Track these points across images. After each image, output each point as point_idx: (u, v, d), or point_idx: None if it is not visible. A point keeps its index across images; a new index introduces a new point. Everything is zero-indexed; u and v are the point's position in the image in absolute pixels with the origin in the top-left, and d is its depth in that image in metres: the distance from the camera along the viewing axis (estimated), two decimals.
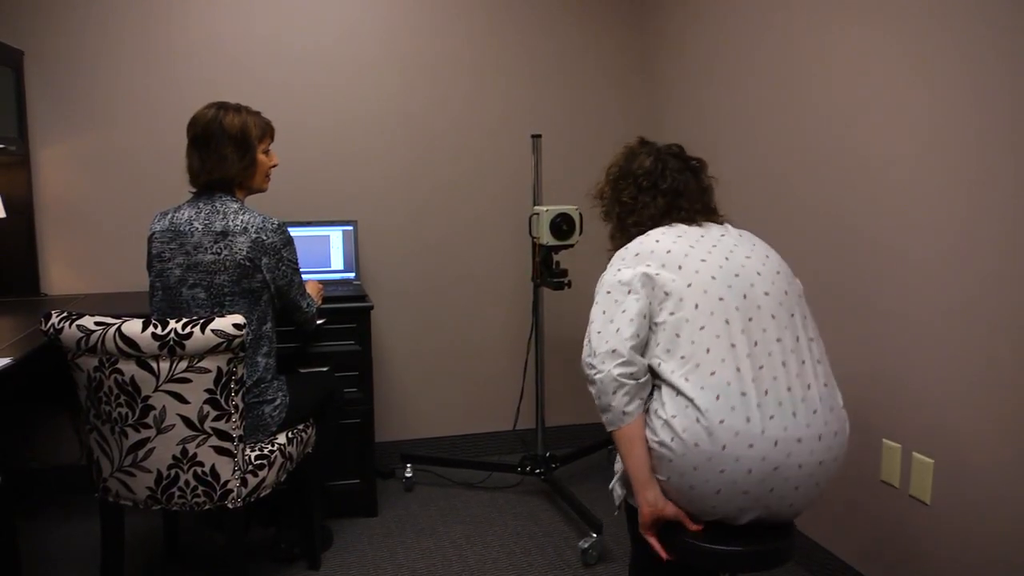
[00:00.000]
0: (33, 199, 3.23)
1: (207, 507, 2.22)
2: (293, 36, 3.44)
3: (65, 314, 2.11)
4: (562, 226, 3.04)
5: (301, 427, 2.53)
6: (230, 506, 2.22)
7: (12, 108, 3.06)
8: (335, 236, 3.37)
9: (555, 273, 3.15)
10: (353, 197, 3.57)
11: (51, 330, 2.10)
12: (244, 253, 2.34)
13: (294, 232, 3.31)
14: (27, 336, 2.43)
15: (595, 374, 1.71)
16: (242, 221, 2.36)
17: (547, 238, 3.04)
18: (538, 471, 3.32)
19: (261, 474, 2.29)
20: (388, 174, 3.59)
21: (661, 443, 1.66)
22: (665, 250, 1.77)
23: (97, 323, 2.07)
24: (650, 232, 1.86)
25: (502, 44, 3.66)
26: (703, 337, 1.66)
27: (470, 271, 3.74)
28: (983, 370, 2.01)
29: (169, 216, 2.42)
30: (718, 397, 1.61)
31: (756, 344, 1.67)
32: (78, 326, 2.07)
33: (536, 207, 3.15)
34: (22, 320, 2.71)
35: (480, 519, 3.14)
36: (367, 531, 3.02)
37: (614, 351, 1.69)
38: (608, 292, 1.79)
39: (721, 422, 1.60)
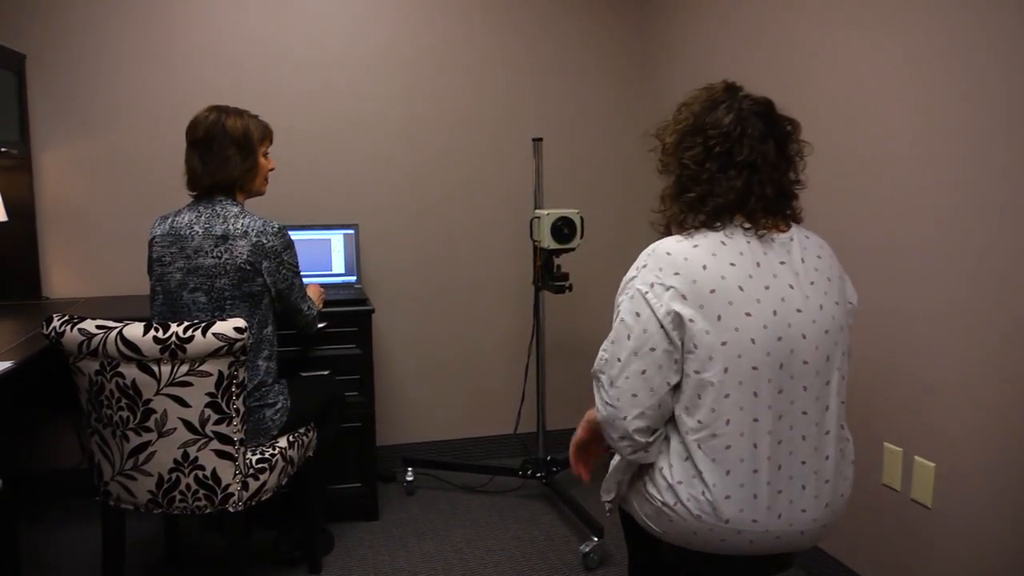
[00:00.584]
0: (34, 202, 3.23)
1: (208, 511, 2.22)
2: (294, 40, 3.45)
3: (66, 318, 2.11)
4: (563, 230, 3.04)
5: (302, 431, 2.53)
6: (231, 510, 2.22)
7: (14, 111, 3.06)
8: (336, 240, 3.37)
9: (556, 277, 3.15)
10: (354, 201, 3.57)
11: (52, 334, 2.10)
12: (244, 257, 2.34)
13: (295, 236, 3.30)
14: (28, 340, 2.43)
15: (607, 407, 1.59)
16: (242, 225, 2.36)
17: (548, 242, 3.04)
18: (539, 475, 3.32)
19: (262, 478, 2.29)
20: (389, 178, 3.59)
21: (664, 503, 1.58)
22: (709, 288, 1.51)
23: (98, 327, 2.07)
24: (703, 241, 1.57)
25: (503, 48, 3.67)
26: (726, 406, 1.51)
27: (471, 275, 3.74)
28: (984, 372, 2.01)
29: (170, 220, 2.42)
30: (728, 472, 1.52)
31: (780, 418, 1.53)
32: (79, 330, 2.07)
33: (537, 211, 3.15)
34: (23, 324, 2.71)
35: (481, 523, 3.14)
36: (368, 535, 3.02)
37: (635, 396, 1.55)
38: (637, 313, 1.55)
39: (727, 498, 1.52)
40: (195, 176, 2.43)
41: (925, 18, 2.14)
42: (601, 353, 1.63)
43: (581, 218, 3.07)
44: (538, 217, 3.10)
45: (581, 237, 3.08)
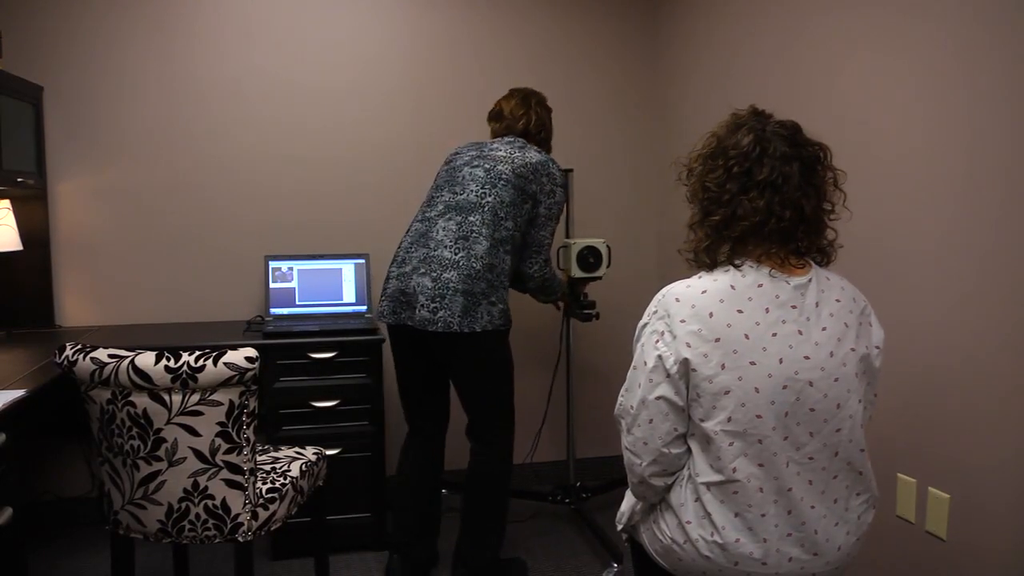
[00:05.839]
0: (50, 232, 3.27)
1: (217, 540, 2.21)
2: (306, 73, 3.50)
3: (79, 346, 2.12)
4: (589, 258, 3.07)
5: (314, 460, 2.53)
6: (240, 540, 2.21)
7: (31, 143, 3.11)
8: (347, 269, 3.39)
9: (584, 305, 3.17)
10: (365, 230, 3.59)
11: (65, 362, 2.11)
12: (531, 163, 2.71)
13: (306, 265, 3.33)
14: (41, 368, 2.45)
15: (626, 452, 1.62)
16: (540, 152, 2.79)
17: (575, 270, 3.07)
18: (567, 500, 3.34)
19: (272, 508, 2.28)
20: (401, 207, 3.61)
21: (673, 540, 1.59)
22: (714, 337, 1.50)
23: (111, 356, 2.08)
24: (711, 286, 1.56)
25: (516, 76, 3.70)
26: (731, 453, 1.51)
27: None
28: (999, 402, 1.99)
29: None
30: (737, 515, 1.52)
31: (787, 464, 1.51)
32: (92, 358, 2.08)
33: (565, 240, 3.18)
34: (37, 352, 2.72)
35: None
36: (378, 565, 3.00)
37: (646, 444, 1.57)
38: (645, 362, 1.58)
39: (737, 541, 1.52)
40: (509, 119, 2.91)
41: (932, 33, 2.15)
42: (619, 399, 1.65)
43: (607, 247, 3.10)
44: (566, 246, 3.13)
45: (607, 266, 3.11)
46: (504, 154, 2.71)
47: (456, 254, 2.57)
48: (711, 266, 1.62)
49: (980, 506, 2.06)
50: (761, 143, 1.55)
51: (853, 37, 2.47)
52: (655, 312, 1.60)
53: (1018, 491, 1.95)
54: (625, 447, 1.63)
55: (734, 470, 1.51)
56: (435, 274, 2.57)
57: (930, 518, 2.21)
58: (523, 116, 2.88)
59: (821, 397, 1.52)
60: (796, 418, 1.51)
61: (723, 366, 1.50)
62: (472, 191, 2.65)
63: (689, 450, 1.59)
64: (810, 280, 1.57)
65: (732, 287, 1.54)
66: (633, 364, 1.62)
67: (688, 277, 1.63)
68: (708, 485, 1.54)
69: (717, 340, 1.51)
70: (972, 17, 2.03)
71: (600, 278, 3.12)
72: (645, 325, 1.62)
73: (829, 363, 1.53)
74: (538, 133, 2.91)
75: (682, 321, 1.53)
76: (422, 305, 2.56)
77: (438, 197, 2.73)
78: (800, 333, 1.53)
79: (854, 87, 2.47)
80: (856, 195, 2.43)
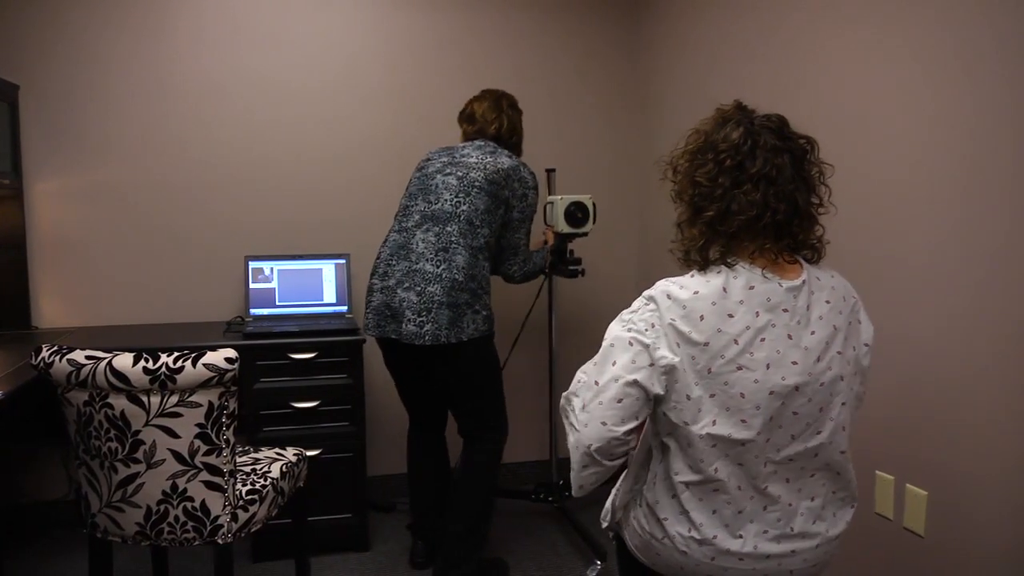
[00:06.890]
0: (26, 232, 3.23)
1: (196, 543, 2.19)
2: (285, 72, 3.48)
3: (56, 348, 2.10)
4: (576, 214, 3.06)
5: (294, 461, 2.52)
6: (220, 542, 2.19)
7: (7, 142, 3.07)
8: (327, 269, 3.37)
9: (569, 262, 3.14)
10: (346, 230, 3.58)
11: (41, 364, 2.09)
12: (504, 168, 2.76)
13: (286, 265, 3.32)
14: (17, 370, 2.42)
15: (574, 432, 1.55)
16: (510, 156, 2.84)
17: (562, 226, 3.05)
18: (550, 499, 3.34)
19: (252, 509, 2.27)
20: (381, 206, 3.59)
21: (652, 536, 1.59)
22: (703, 340, 1.48)
23: (88, 357, 2.06)
24: (704, 288, 1.52)
25: (497, 75, 3.70)
26: (712, 454, 1.50)
27: None
28: (978, 400, 2.01)
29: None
30: (715, 512, 1.53)
31: (765, 464, 1.52)
32: (68, 360, 2.06)
33: (550, 196, 3.19)
34: (12, 354, 2.70)
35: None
36: (359, 566, 2.99)
37: (604, 424, 1.51)
38: (630, 343, 1.53)
39: (714, 537, 1.53)
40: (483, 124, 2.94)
41: (929, 24, 2.14)
42: (579, 375, 1.59)
43: (593, 204, 3.09)
44: (552, 202, 3.13)
45: (594, 222, 3.10)
46: (476, 160, 2.76)
47: (438, 267, 2.63)
48: (703, 265, 1.58)
49: (957, 503, 2.08)
50: (751, 136, 1.52)
51: (836, 30, 2.48)
52: (647, 304, 1.55)
53: (995, 488, 1.97)
54: (573, 426, 1.55)
55: (715, 470, 1.51)
56: (419, 288, 2.63)
57: (908, 515, 2.23)
58: (495, 120, 2.93)
59: (806, 401, 1.52)
60: (779, 421, 1.51)
61: (709, 370, 1.48)
62: (447, 200, 2.70)
63: (663, 447, 1.58)
64: (803, 282, 1.54)
65: (724, 289, 1.51)
66: (610, 342, 1.56)
67: (678, 275, 1.60)
68: (687, 484, 1.53)
69: (706, 344, 1.48)
70: (971, 6, 2.02)
71: (587, 234, 3.10)
72: (635, 311, 1.56)
73: (816, 368, 1.51)
74: (510, 137, 2.96)
75: (672, 321, 1.50)
76: (409, 320, 2.63)
77: (413, 207, 2.78)
78: (790, 337, 1.51)
79: (838, 80, 2.48)
80: (844, 191, 2.45)
